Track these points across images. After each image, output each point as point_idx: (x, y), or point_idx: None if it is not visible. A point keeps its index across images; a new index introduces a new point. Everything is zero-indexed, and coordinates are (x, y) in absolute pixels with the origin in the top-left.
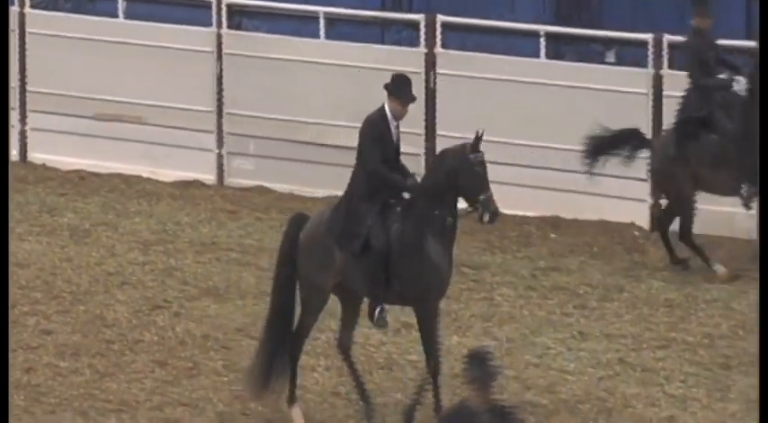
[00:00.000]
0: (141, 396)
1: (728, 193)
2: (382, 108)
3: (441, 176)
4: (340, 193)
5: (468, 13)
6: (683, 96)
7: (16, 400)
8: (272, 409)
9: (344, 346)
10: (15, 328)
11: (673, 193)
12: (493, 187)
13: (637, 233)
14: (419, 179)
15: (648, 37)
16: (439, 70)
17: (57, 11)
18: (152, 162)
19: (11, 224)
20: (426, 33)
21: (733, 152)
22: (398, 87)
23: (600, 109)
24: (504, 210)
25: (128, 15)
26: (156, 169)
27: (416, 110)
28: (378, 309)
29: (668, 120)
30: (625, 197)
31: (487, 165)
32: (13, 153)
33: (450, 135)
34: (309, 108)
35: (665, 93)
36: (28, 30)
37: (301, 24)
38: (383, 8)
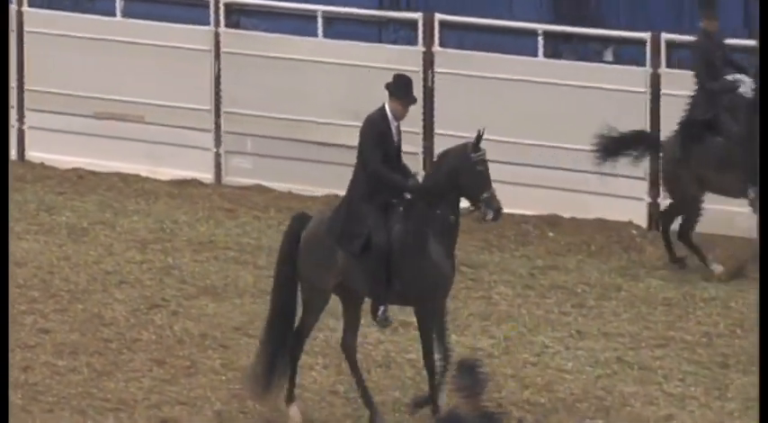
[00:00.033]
0: (139, 395)
1: (736, 195)
2: (383, 108)
3: (442, 176)
4: (338, 191)
5: (466, 11)
6: (689, 99)
7: (14, 398)
8: (270, 408)
9: (348, 347)
10: (13, 326)
11: (678, 194)
12: None
13: (635, 232)
14: (420, 179)
15: (646, 36)
16: (437, 69)
17: (55, 9)
18: (150, 161)
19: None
20: (424, 32)
21: (739, 154)
22: (399, 88)
23: (598, 108)
24: None
25: (126, 14)
26: (154, 168)
27: (414, 109)
28: (381, 308)
29: (666, 118)
30: (623, 196)
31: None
32: (11, 152)
33: (449, 134)
34: (307, 107)
35: (662, 91)
36: (26, 28)
37: (299, 23)
38: (381, 7)
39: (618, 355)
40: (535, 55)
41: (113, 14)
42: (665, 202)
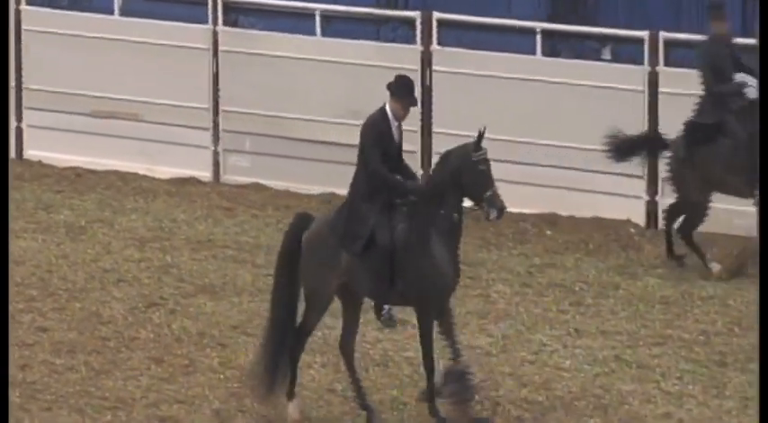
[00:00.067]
0: (137, 393)
1: (744, 196)
2: (383, 108)
3: (445, 177)
4: (336, 189)
5: (464, 10)
6: (697, 103)
7: (12, 397)
8: (268, 407)
9: (346, 348)
10: (11, 325)
11: (683, 195)
12: None
13: (633, 230)
14: (421, 179)
15: (644, 34)
16: (435, 67)
17: (53, 8)
18: (148, 159)
19: None
20: (422, 30)
21: (745, 156)
22: (400, 88)
23: (596, 106)
24: None
25: (124, 12)
26: (152, 166)
27: (413, 107)
28: (386, 308)
29: (664, 117)
30: (621, 194)
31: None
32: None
33: (446, 132)
34: (305, 105)
35: (660, 90)
36: (24, 27)
37: (297, 21)
38: (379, 5)
39: (616, 354)
40: (533, 53)
41: (111, 13)
42: (663, 200)
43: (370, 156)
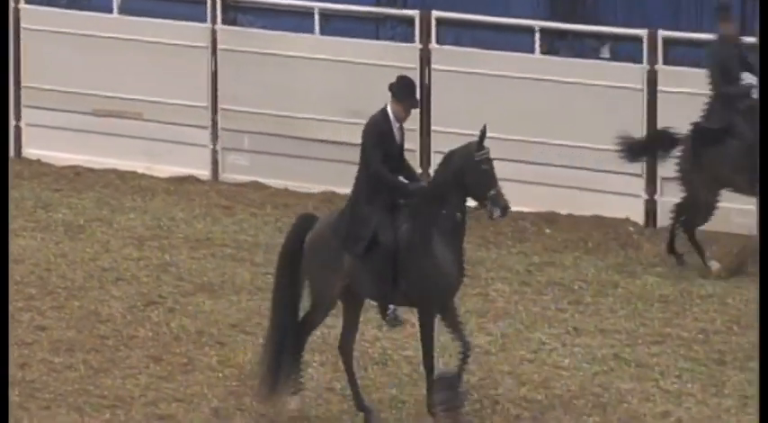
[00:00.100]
0: (136, 392)
1: (750, 194)
2: (385, 109)
3: (448, 177)
4: (335, 188)
5: (463, 8)
6: (705, 105)
7: (11, 395)
8: (266, 405)
9: (346, 348)
10: (10, 323)
11: (690, 195)
12: None
13: (632, 229)
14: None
15: (643, 32)
16: (434, 66)
17: (52, 6)
18: (147, 158)
19: None
20: (421, 29)
21: (753, 157)
22: (402, 89)
23: (594, 105)
24: None
25: (123, 11)
26: (151, 165)
27: None
28: (391, 308)
29: (663, 116)
30: (620, 193)
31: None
32: None
33: (445, 131)
34: (304, 104)
35: (659, 89)
36: (23, 25)
37: (296, 20)
38: (378, 4)
39: (615, 352)
40: (532, 52)
41: (110, 11)
42: (662, 199)
43: (371, 157)
